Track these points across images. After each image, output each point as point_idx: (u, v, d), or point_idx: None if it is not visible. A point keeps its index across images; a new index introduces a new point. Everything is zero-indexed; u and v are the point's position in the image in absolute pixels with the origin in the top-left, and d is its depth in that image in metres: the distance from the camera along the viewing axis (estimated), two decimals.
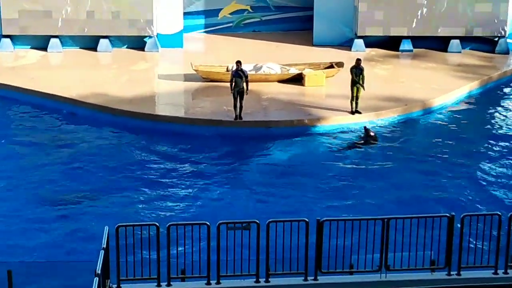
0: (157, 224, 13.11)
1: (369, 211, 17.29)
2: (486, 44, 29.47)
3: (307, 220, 13.15)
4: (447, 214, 13.45)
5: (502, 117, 24.47)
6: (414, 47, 29.27)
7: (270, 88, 25.23)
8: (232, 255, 13.17)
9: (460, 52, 29.18)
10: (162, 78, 26.43)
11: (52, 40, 28.43)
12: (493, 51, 29.28)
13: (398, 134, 22.90)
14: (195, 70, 25.77)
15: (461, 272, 13.58)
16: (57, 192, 19.10)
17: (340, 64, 26.14)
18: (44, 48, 28.50)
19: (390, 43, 29.35)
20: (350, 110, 23.17)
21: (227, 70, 25.29)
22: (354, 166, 20.87)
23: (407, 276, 13.54)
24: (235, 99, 22.42)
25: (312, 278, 13.43)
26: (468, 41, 29.39)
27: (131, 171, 20.35)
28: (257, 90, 24.65)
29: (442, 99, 24.97)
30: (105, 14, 28.22)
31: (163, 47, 29.01)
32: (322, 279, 13.42)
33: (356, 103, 23.20)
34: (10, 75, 26.18)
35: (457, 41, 29.19)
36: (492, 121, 24.16)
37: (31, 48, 28.72)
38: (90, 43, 28.68)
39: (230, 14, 31.36)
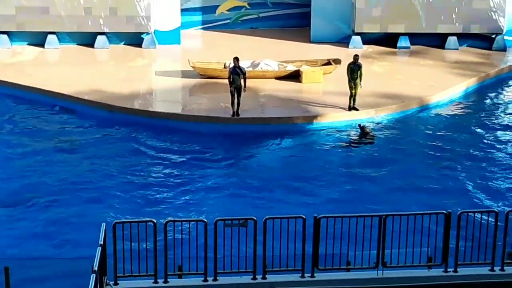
0: (154, 220, 13.11)
1: (366, 208, 17.29)
2: (484, 41, 29.48)
3: (304, 217, 13.15)
4: (444, 211, 13.46)
5: (499, 114, 24.49)
6: (412, 44, 29.27)
7: (268, 85, 25.23)
8: (229, 252, 13.18)
9: (457, 49, 29.19)
10: (160, 75, 26.41)
11: (49, 37, 28.38)
12: (490, 48, 29.28)
13: (395, 131, 22.91)
14: (193, 67, 25.76)
15: (458, 269, 13.60)
16: (51, 187, 19.09)
17: (337, 61, 26.14)
18: (41, 44, 28.45)
19: (388, 40, 29.35)
20: (347, 106, 23.19)
21: (225, 67, 25.28)
22: (351, 163, 20.87)
23: (404, 273, 13.56)
24: (232, 95, 22.41)
25: (309, 275, 13.44)
26: (465, 38, 29.40)
27: (127, 167, 20.33)
28: (255, 87, 24.64)
29: (439, 96, 24.99)
30: (102, 11, 28.18)
31: (160, 43, 28.98)
32: (319, 276, 13.43)
33: (354, 100, 23.20)
34: (7, 71, 26.16)
35: (455, 38, 29.20)
36: (489, 118, 24.16)
37: (28, 44, 28.67)
38: (88, 40, 28.64)
39: (228, 10, 31.34)
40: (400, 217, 13.35)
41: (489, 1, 28.80)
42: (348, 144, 22.05)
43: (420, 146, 22.00)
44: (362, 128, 22.42)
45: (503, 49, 29.24)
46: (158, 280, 13.18)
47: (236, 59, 22.27)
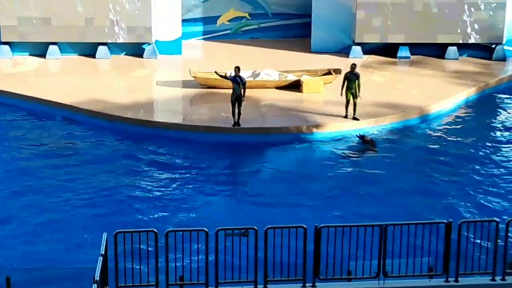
0: (155, 230, 13.12)
1: (367, 217, 17.31)
2: (483, 51, 29.54)
3: (305, 226, 13.17)
4: (445, 221, 13.48)
5: (499, 124, 24.53)
6: (412, 54, 29.34)
7: (268, 95, 25.28)
8: (230, 261, 13.19)
9: (457, 59, 29.25)
10: (161, 85, 26.47)
11: (51, 47, 28.46)
12: (490, 58, 29.35)
13: (395, 141, 22.94)
14: (193, 77, 25.81)
15: (459, 279, 13.60)
16: (52, 198, 19.11)
17: (337, 71, 26.18)
18: (43, 55, 28.53)
19: (388, 50, 29.42)
20: (344, 115, 23.26)
21: (225, 77, 25.28)
22: (352, 172, 20.91)
23: (405, 282, 13.56)
24: (233, 105, 22.46)
25: (310, 284, 13.46)
26: (465, 48, 29.46)
27: (128, 177, 20.36)
28: (255, 96, 24.70)
29: (439, 106, 25.03)
30: (103, 21, 28.27)
31: (161, 53, 29.06)
32: (320, 286, 13.44)
33: (354, 110, 23.26)
34: (9, 81, 26.22)
35: (455, 48, 29.27)
36: (489, 127, 24.20)
37: (29, 55, 28.76)
38: (89, 50, 28.71)
39: (229, 21, 31.42)
40: (401, 227, 13.37)
41: (489, 11, 28.88)
42: (348, 154, 22.08)
43: (420, 156, 22.02)
44: (362, 137, 22.46)
45: (503, 59, 29.30)
46: None
47: (237, 68, 22.34)
